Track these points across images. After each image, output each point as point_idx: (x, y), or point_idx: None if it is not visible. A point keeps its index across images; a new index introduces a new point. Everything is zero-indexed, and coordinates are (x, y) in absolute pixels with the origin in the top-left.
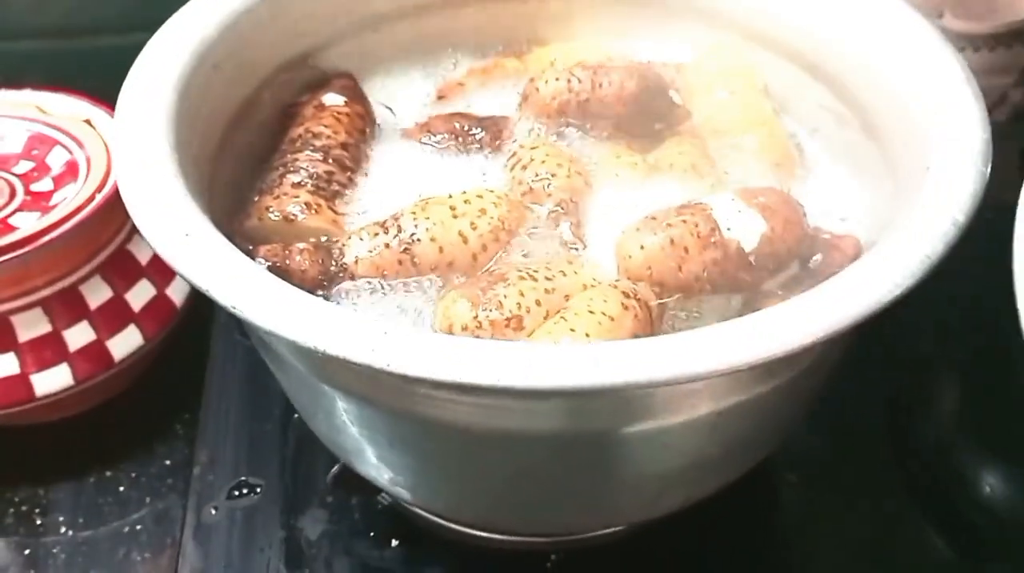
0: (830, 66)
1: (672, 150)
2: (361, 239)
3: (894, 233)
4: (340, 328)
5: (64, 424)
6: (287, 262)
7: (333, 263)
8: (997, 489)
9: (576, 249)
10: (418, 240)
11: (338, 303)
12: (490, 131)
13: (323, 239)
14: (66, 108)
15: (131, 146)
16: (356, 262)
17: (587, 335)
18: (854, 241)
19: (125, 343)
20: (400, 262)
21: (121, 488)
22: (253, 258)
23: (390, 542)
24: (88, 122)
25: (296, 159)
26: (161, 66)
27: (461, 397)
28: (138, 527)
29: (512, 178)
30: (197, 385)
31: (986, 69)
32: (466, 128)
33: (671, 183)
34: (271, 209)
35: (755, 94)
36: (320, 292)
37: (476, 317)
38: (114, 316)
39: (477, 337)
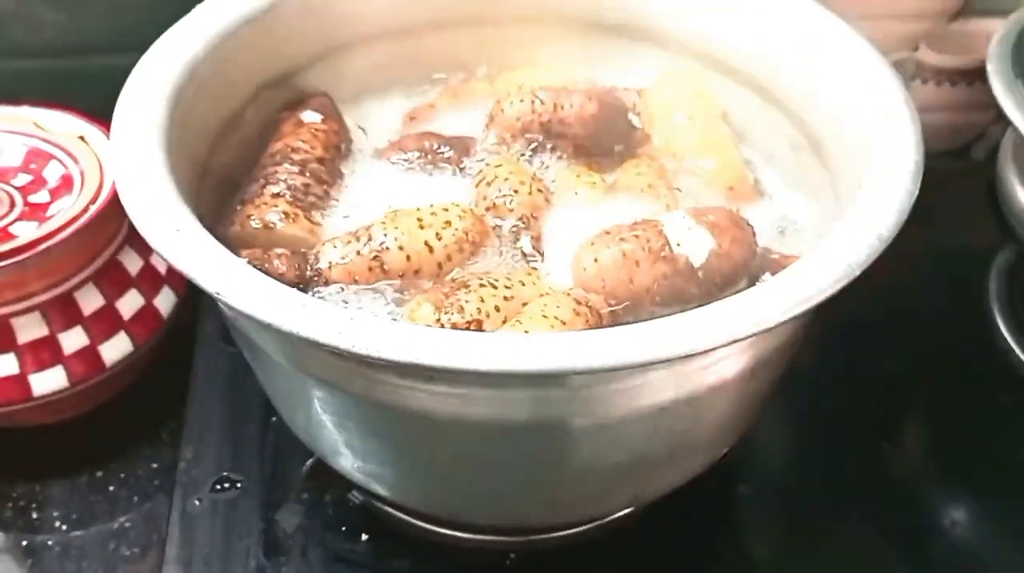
0: (782, 93)
1: (630, 171)
2: (335, 246)
3: (822, 244)
4: (311, 313)
5: (59, 427)
6: (266, 266)
7: (309, 268)
8: (962, 511)
9: (535, 261)
10: (387, 248)
11: None
12: (457, 149)
13: (300, 247)
14: (62, 125)
15: (128, 153)
16: (330, 267)
17: None
18: None
19: (116, 349)
20: (370, 268)
21: (111, 487)
22: None
23: (360, 536)
24: (82, 138)
25: (276, 172)
26: (153, 81)
27: (423, 385)
28: (127, 524)
29: (477, 194)
30: (182, 394)
31: (963, 104)
32: (435, 147)
33: (627, 202)
34: (252, 217)
35: (713, 119)
36: None
37: (439, 319)
38: (106, 323)
39: None
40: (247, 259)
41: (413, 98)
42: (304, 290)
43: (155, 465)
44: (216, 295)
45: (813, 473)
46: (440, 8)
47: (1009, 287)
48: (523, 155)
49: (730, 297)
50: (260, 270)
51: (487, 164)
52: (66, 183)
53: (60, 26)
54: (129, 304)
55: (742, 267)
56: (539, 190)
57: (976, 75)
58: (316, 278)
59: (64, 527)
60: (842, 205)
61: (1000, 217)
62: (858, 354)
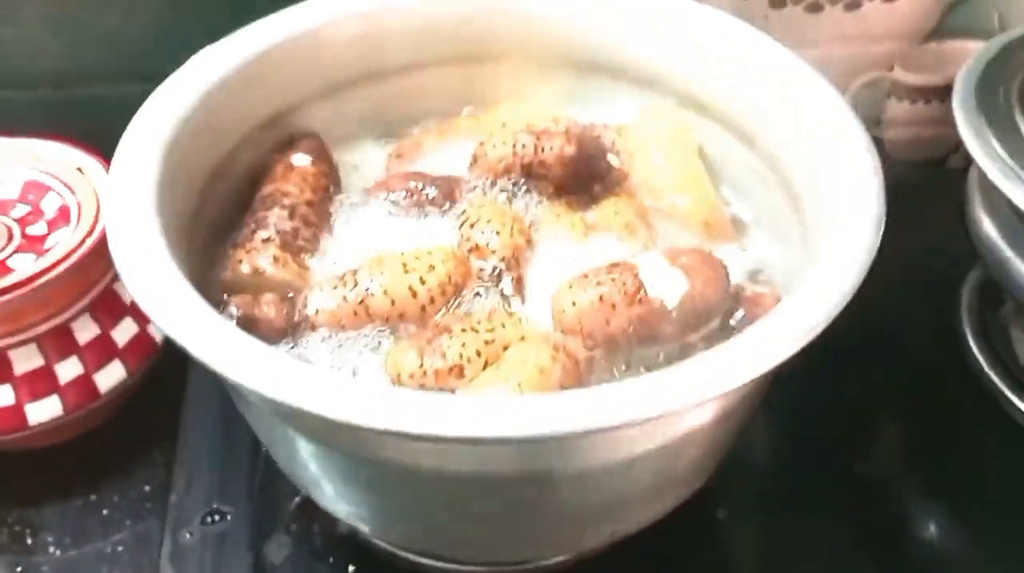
0: (755, 133)
1: (609, 210)
2: (322, 290)
3: (786, 302)
4: (299, 381)
5: (54, 451)
6: (255, 312)
7: (297, 314)
8: (941, 528)
9: (515, 303)
10: (372, 294)
11: (302, 350)
12: (442, 190)
13: (289, 292)
14: (59, 156)
15: (121, 212)
16: (317, 313)
17: (519, 385)
18: (773, 297)
19: (110, 376)
20: (356, 313)
21: (104, 511)
22: (226, 306)
23: (347, 568)
24: (79, 170)
25: (266, 216)
26: (147, 138)
27: (407, 442)
28: (119, 548)
29: (461, 235)
30: (174, 416)
31: (938, 120)
32: (420, 187)
33: (606, 242)
34: (243, 262)
35: (689, 157)
36: (286, 340)
37: (422, 365)
38: (101, 351)
39: (422, 385)
40: (238, 306)
41: (400, 136)
42: (293, 335)
43: (147, 488)
44: (207, 365)
45: (790, 493)
46: (426, 48)
47: (980, 304)
48: (505, 195)
49: (696, 358)
50: (250, 318)
51: (470, 205)
52: (63, 214)
53: (59, 54)
54: (124, 332)
55: (715, 306)
56: (520, 231)
57: (947, 92)
58: (304, 323)
59: (58, 551)
60: (809, 251)
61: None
62: (831, 372)
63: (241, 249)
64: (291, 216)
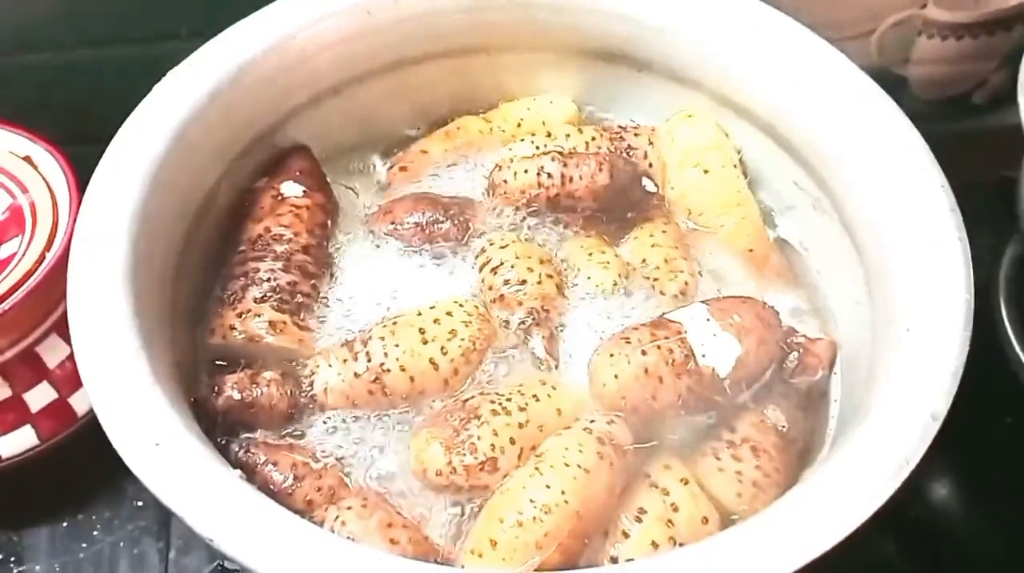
0: (804, 148)
1: (645, 241)
2: (330, 365)
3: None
4: (325, 567)
5: (32, 468)
6: (255, 395)
7: (302, 394)
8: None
9: (548, 366)
10: (388, 370)
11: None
12: (455, 220)
13: (290, 359)
14: (2, 142)
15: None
16: (325, 392)
17: (563, 492)
18: (828, 344)
19: (88, 397)
20: (371, 392)
21: (95, 532)
22: (221, 392)
23: None
24: (28, 160)
25: (257, 270)
26: (112, 201)
27: None
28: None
29: (482, 281)
30: None
31: (968, 56)
32: (431, 218)
33: (644, 283)
34: (235, 329)
35: (729, 171)
36: (290, 427)
37: (450, 462)
38: (74, 373)
39: (452, 483)
40: (234, 387)
41: (402, 144)
42: (299, 419)
43: (139, 503)
44: (211, 543)
45: None
46: (425, 40)
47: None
48: (528, 227)
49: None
50: (249, 403)
51: (491, 242)
52: (16, 217)
53: None
54: None
55: (768, 365)
56: (549, 275)
57: (981, 28)
58: (311, 405)
59: None
60: (876, 297)
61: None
62: None
63: (231, 310)
64: (286, 268)
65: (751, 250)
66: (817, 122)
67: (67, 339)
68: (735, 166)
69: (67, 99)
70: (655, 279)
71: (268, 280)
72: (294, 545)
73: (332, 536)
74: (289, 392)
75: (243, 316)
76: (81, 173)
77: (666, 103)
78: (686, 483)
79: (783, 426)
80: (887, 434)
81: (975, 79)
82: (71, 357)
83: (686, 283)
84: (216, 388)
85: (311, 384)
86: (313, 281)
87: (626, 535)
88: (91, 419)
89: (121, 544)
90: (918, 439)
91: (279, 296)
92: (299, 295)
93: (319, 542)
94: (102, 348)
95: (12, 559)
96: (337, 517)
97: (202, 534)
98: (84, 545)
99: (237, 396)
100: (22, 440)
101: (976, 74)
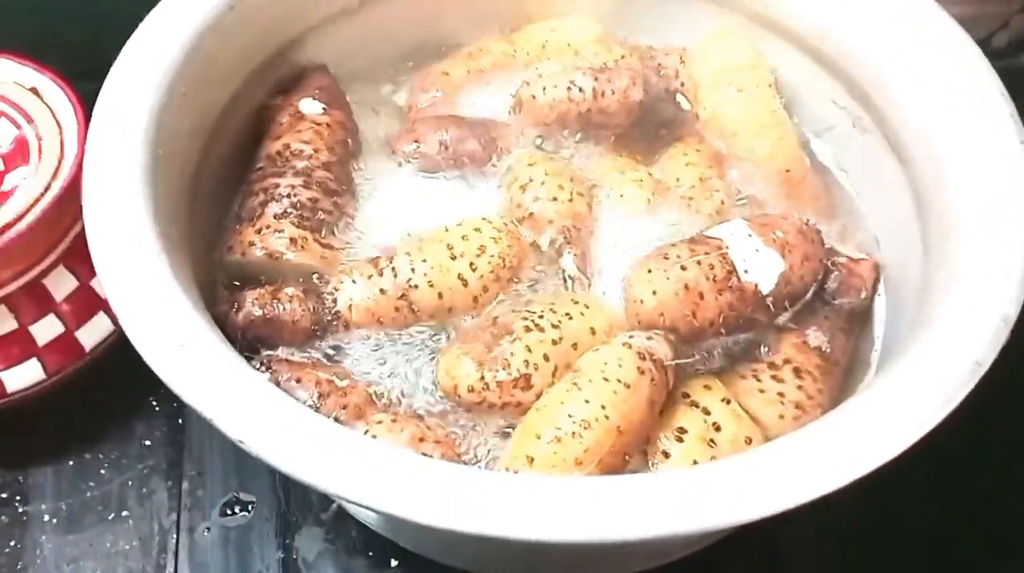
0: (845, 63)
1: (678, 160)
2: (354, 282)
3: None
4: (358, 468)
5: (38, 405)
6: (277, 311)
7: (326, 311)
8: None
9: (580, 285)
10: (415, 286)
11: (336, 357)
12: (481, 140)
13: (313, 276)
14: (7, 73)
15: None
16: (350, 309)
17: (602, 407)
18: (872, 264)
19: (96, 332)
20: (397, 309)
21: (102, 471)
22: (241, 307)
23: (389, 563)
24: (35, 91)
25: (277, 185)
26: (128, 105)
27: None
28: (124, 513)
29: (510, 199)
30: None
31: None
32: (455, 138)
33: (678, 202)
34: (255, 245)
35: (764, 91)
36: (316, 343)
37: (483, 378)
38: (82, 306)
39: (484, 399)
40: (255, 303)
41: (422, 66)
42: (323, 337)
43: (147, 442)
44: (241, 444)
45: None
46: None
47: None
48: (556, 145)
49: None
50: (271, 319)
51: (518, 162)
52: (20, 148)
53: None
54: None
55: (812, 283)
56: (580, 194)
57: None
58: (335, 322)
59: (54, 520)
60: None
61: None
62: None
63: (250, 227)
64: (307, 184)
65: (788, 171)
66: (861, 35)
67: (74, 272)
68: (770, 86)
69: (75, 35)
70: (690, 199)
71: (288, 196)
72: (327, 446)
73: (368, 438)
74: (312, 308)
75: (262, 232)
76: (89, 108)
77: (699, 23)
78: (728, 403)
79: (826, 348)
80: (957, 338)
81: (997, 21)
82: (78, 290)
83: (722, 202)
84: (236, 304)
85: (335, 301)
86: (335, 198)
87: (667, 455)
88: (99, 355)
89: (130, 484)
90: (990, 342)
91: (300, 212)
92: (320, 212)
93: (355, 443)
94: (120, 248)
95: (17, 498)
96: (367, 431)
97: (231, 436)
98: (92, 484)
99: (258, 312)
100: (28, 374)
101: (998, 16)
